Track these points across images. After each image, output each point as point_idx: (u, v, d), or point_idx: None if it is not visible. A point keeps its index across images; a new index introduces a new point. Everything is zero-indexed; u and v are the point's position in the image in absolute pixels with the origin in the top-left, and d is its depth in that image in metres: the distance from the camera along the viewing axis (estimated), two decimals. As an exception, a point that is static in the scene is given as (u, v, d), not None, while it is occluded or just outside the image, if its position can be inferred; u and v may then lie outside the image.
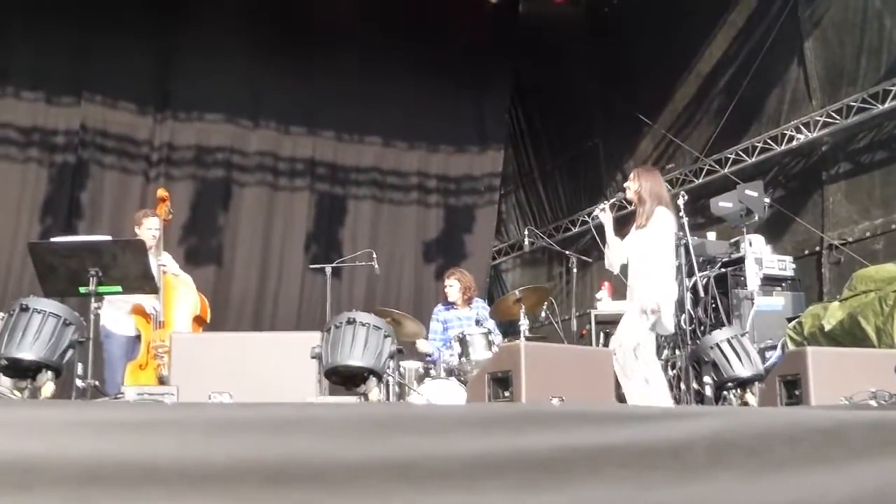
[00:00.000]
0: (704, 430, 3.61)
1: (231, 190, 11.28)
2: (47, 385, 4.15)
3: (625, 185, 6.74)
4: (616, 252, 6.58)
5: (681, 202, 6.53)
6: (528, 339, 7.76)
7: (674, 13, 10.13)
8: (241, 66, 11.01)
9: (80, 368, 4.35)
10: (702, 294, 8.05)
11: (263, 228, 11.37)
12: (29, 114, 10.29)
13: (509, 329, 9.49)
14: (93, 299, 5.13)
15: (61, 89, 10.42)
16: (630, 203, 6.78)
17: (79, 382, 4.37)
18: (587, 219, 11.53)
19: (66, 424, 2.91)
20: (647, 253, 6.33)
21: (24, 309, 4.11)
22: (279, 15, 11.03)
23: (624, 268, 6.62)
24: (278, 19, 11.05)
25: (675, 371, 8.21)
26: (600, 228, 6.74)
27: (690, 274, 7.39)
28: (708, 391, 5.21)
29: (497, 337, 7.95)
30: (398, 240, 12.00)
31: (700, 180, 10.04)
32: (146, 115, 10.82)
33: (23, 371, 4.09)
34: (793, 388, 5.26)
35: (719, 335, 5.46)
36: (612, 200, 6.87)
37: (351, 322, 4.29)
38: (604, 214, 6.69)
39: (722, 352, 5.28)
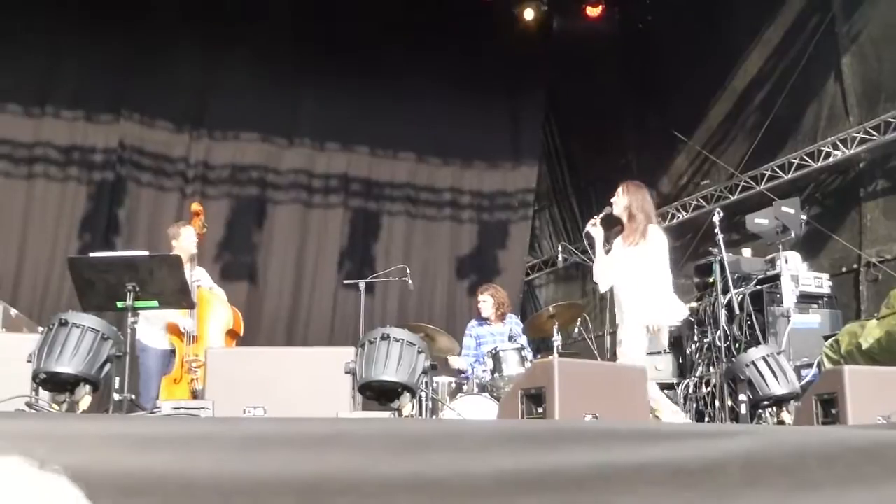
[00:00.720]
0: (740, 448, 3.59)
1: (265, 207, 11.39)
2: (85, 399, 4.19)
3: (612, 199, 6.67)
4: (605, 268, 6.53)
5: (716, 219, 6.49)
6: (561, 355, 7.73)
7: (708, 30, 10.10)
8: (276, 84, 11.13)
9: (117, 382, 4.40)
10: (737, 311, 7.99)
11: (297, 245, 11.44)
12: (68, 133, 10.47)
13: (542, 345, 9.46)
14: (129, 314, 5.18)
15: (100, 108, 10.61)
16: (617, 218, 6.69)
17: (116, 396, 4.41)
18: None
19: (105, 438, 2.95)
20: (644, 270, 6.27)
21: (63, 323, 4.17)
22: (314, 34, 11.15)
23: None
24: (313, 38, 11.17)
25: (708, 388, 8.16)
26: (591, 244, 6.66)
27: (725, 291, 7.36)
28: (743, 409, 5.16)
29: (529, 353, 7.93)
30: (431, 255, 12.02)
31: (735, 197, 9.97)
32: (182, 133, 10.96)
33: (61, 385, 4.14)
34: (829, 406, 5.19)
35: (755, 353, 5.42)
36: (602, 215, 6.68)
37: (385, 338, 4.30)
38: (594, 229, 6.58)
39: (758, 370, 5.24)
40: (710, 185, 10.40)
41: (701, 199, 10.46)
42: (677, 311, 6.43)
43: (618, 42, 11.68)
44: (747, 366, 5.30)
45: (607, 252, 6.59)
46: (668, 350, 8.07)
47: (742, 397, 5.21)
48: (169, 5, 10.64)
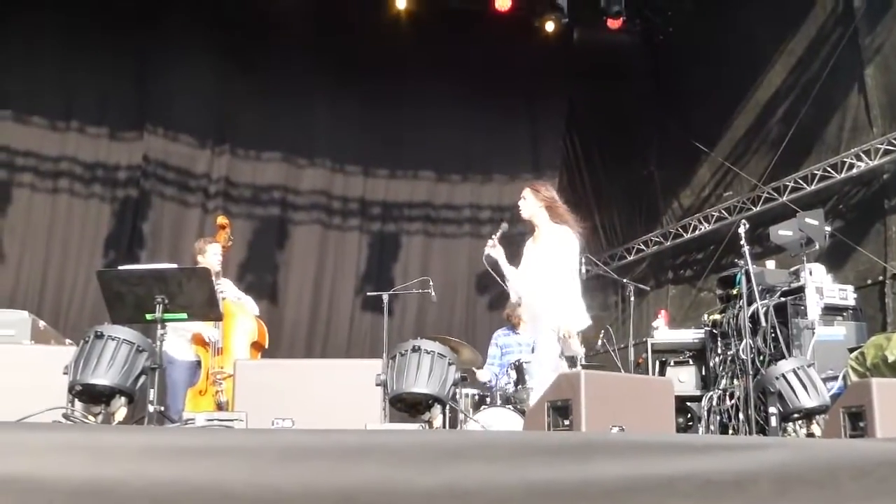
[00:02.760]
0: (770, 461, 3.58)
1: (285, 228, 11.44)
2: (120, 410, 4.24)
3: (518, 202, 6.55)
4: (518, 282, 6.38)
5: (742, 230, 6.47)
6: (584, 367, 7.72)
7: (731, 42, 10.11)
8: (295, 101, 11.17)
9: (151, 394, 4.44)
10: (762, 323, 7.96)
11: (316, 266, 11.47)
12: (92, 149, 10.55)
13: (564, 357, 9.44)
14: (159, 326, 5.23)
15: (124, 123, 10.69)
16: (523, 220, 6.60)
17: (150, 408, 4.46)
18: (643, 247, 11.52)
19: (141, 450, 2.97)
20: (547, 271, 6.15)
21: (99, 336, 4.21)
22: (335, 54, 11.17)
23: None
24: (333, 56, 11.18)
25: (732, 401, 8.13)
26: (495, 266, 6.43)
27: (750, 302, 7.34)
28: (773, 422, 5.15)
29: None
30: (451, 272, 12.00)
31: (758, 208, 9.96)
32: (205, 149, 11.03)
33: (97, 396, 4.18)
34: (857, 419, 5.17)
35: (785, 365, 5.40)
36: (498, 234, 6.50)
37: (416, 350, 4.32)
38: (494, 250, 6.41)
39: (788, 382, 5.22)
40: (733, 197, 10.38)
41: (723, 211, 10.44)
42: (580, 318, 6.20)
43: (639, 54, 11.69)
44: (777, 378, 5.28)
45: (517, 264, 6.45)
46: (580, 358, 8.00)
47: (772, 410, 5.20)
48: (191, 23, 10.70)
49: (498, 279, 6.47)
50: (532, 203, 6.44)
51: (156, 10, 10.50)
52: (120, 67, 10.56)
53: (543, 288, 6.13)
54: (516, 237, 6.89)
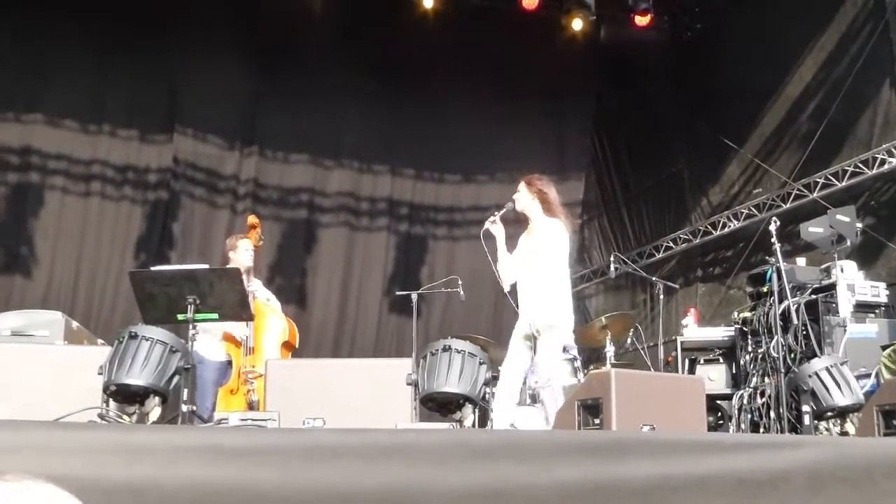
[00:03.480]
0: (804, 460, 3.56)
1: (313, 231, 11.48)
2: (154, 410, 4.28)
3: (513, 196, 6.45)
4: (507, 268, 6.30)
5: (773, 228, 6.43)
6: (613, 365, 7.72)
7: (760, 37, 10.04)
8: (322, 103, 11.19)
9: (185, 394, 4.48)
10: (794, 320, 7.89)
11: (343, 268, 11.49)
12: (123, 151, 10.64)
13: (592, 355, 9.44)
14: (190, 326, 5.27)
15: (154, 126, 10.79)
16: (519, 214, 6.46)
17: (184, 408, 4.49)
18: (671, 245, 11.46)
19: (176, 450, 3.00)
20: (537, 265, 6.08)
21: (133, 336, 4.26)
22: (363, 55, 11.19)
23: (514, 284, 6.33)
24: (362, 59, 11.20)
25: (763, 399, 8.07)
26: (491, 242, 6.38)
27: (781, 300, 7.29)
28: (807, 420, 5.11)
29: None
30: (477, 273, 11.96)
31: (788, 205, 9.87)
32: (234, 150, 11.09)
33: (131, 396, 4.22)
34: (891, 417, 5.13)
35: (818, 363, 5.36)
36: (502, 212, 6.43)
37: (447, 349, 4.33)
38: (495, 227, 6.34)
39: (821, 380, 5.18)
40: (763, 194, 10.30)
41: (753, 208, 10.36)
42: (564, 314, 6.11)
43: (667, 51, 11.63)
44: (810, 376, 5.24)
45: (512, 251, 6.36)
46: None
47: (805, 408, 5.16)
48: (220, 26, 10.78)
49: (490, 259, 6.40)
50: (525, 196, 6.38)
51: (184, 13, 10.56)
52: (149, 70, 10.64)
53: (532, 281, 6.08)
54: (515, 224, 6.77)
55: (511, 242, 6.43)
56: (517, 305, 6.25)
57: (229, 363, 7.28)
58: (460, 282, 8.43)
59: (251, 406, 6.86)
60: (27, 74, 10.25)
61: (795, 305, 7.98)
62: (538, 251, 6.12)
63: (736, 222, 10.61)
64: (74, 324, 6.24)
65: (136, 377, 4.13)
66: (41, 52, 10.20)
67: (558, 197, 6.54)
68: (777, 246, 6.44)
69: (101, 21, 10.27)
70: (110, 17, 10.26)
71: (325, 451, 3.09)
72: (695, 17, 11.23)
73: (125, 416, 4.17)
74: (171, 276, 5.44)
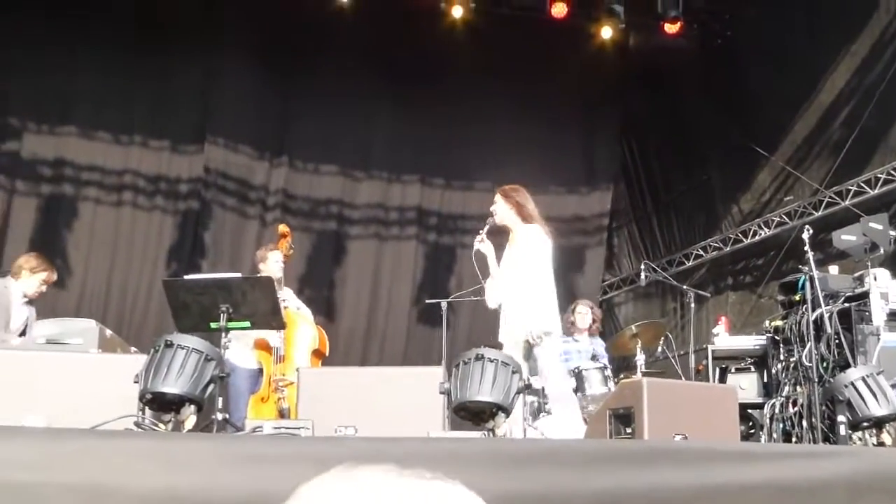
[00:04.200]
0: (844, 470, 3.53)
1: (342, 242, 11.50)
2: (190, 418, 4.30)
3: (491, 209, 6.35)
4: (495, 287, 6.23)
5: (806, 236, 6.38)
6: (644, 374, 7.69)
7: (791, 44, 9.98)
8: (353, 114, 11.24)
9: (220, 402, 4.50)
10: (827, 329, 7.82)
11: (371, 280, 11.50)
12: (155, 162, 10.73)
13: (623, 364, 9.40)
14: (223, 334, 5.31)
15: (185, 136, 10.85)
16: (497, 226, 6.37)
17: (219, 416, 4.52)
18: (701, 253, 11.40)
19: (213, 457, 3.02)
20: (522, 274, 6.01)
21: (169, 345, 4.28)
22: (392, 66, 11.23)
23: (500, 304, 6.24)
24: (391, 70, 11.24)
25: (796, 408, 8.00)
26: (483, 262, 6.28)
27: (814, 308, 7.23)
28: (843, 430, 5.06)
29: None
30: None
31: (820, 213, 9.79)
32: (263, 160, 11.14)
33: (167, 405, 4.25)
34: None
35: (854, 373, 5.31)
36: (486, 229, 6.32)
37: (479, 358, 4.32)
38: (483, 245, 6.27)
39: (857, 390, 5.13)
40: (794, 202, 10.23)
41: (784, 216, 10.29)
42: (550, 320, 6.04)
43: (697, 58, 11.58)
44: (846, 386, 5.19)
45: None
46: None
47: (841, 418, 5.11)
48: (250, 37, 10.86)
49: (481, 279, 6.37)
50: (503, 207, 6.32)
51: (216, 24, 10.66)
52: (181, 81, 10.75)
53: (516, 292, 6.02)
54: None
55: (499, 255, 6.39)
56: (502, 318, 6.18)
57: (260, 371, 7.32)
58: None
59: (282, 414, 6.89)
60: (59, 87, 10.37)
61: (828, 314, 7.91)
62: (521, 259, 6.07)
63: (767, 230, 10.54)
64: (108, 332, 6.29)
65: (172, 385, 4.16)
66: (73, 64, 10.32)
67: (535, 206, 6.45)
68: (810, 254, 6.37)
69: (133, 32, 10.36)
70: (142, 28, 10.35)
71: (361, 460, 3.10)
72: (725, 24, 11.17)
73: (161, 425, 4.20)
74: (204, 285, 5.48)
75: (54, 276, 7.26)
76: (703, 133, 11.51)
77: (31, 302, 7.13)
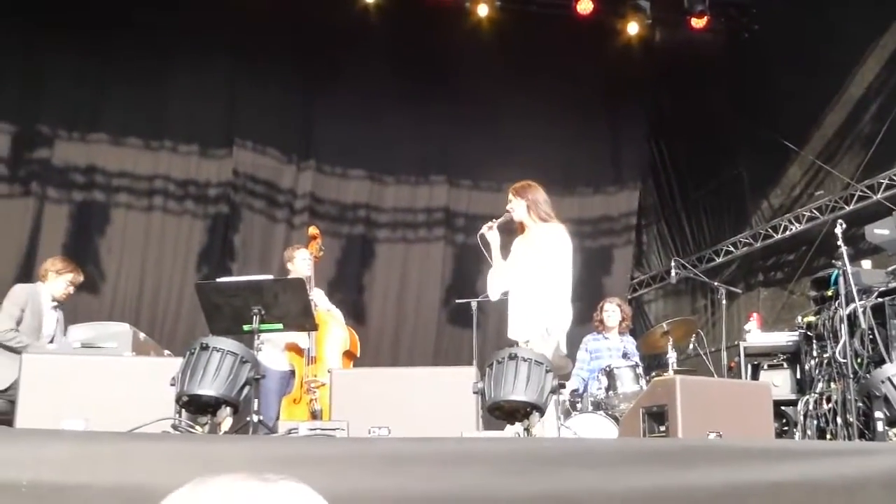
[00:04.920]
0: (881, 467, 3.50)
1: (370, 246, 11.53)
2: (226, 421, 4.34)
3: (507, 207, 6.31)
4: (500, 276, 6.21)
5: (838, 230, 6.33)
6: (676, 372, 7.66)
7: (819, 38, 9.88)
8: (379, 115, 11.24)
9: (256, 404, 4.54)
10: (861, 324, 7.75)
11: (399, 282, 11.52)
12: (184, 166, 10.81)
13: (653, 362, 9.37)
14: (256, 336, 5.35)
15: (214, 141, 10.93)
16: (514, 223, 6.32)
17: (255, 417, 4.55)
18: (731, 249, 11.33)
19: (250, 459, 3.04)
20: (542, 271, 5.95)
21: (204, 347, 4.32)
22: (418, 68, 11.23)
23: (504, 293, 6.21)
24: (418, 72, 11.23)
25: (830, 405, 7.94)
26: (486, 248, 6.27)
27: (847, 303, 7.17)
28: (880, 427, 5.01)
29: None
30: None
31: (851, 207, 9.70)
32: (291, 164, 11.19)
33: (203, 407, 4.28)
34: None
35: (891, 369, 5.26)
36: (500, 220, 6.33)
37: (513, 357, 4.33)
38: (491, 233, 6.24)
39: (894, 386, 5.08)
40: (825, 196, 10.14)
41: (815, 211, 10.21)
42: (563, 320, 6.01)
43: (725, 53, 11.51)
44: (883, 382, 5.15)
45: (506, 258, 6.27)
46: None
47: (878, 414, 5.06)
48: (277, 43, 10.91)
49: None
50: (519, 205, 6.27)
51: (243, 32, 10.72)
52: (209, 86, 10.81)
53: (536, 288, 5.98)
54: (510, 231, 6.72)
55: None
56: (511, 313, 6.14)
57: (292, 373, 7.36)
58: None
59: (314, 415, 6.93)
60: (90, 95, 10.46)
61: (862, 309, 7.85)
62: (543, 257, 6.02)
63: (798, 225, 10.46)
64: (141, 335, 6.35)
65: (208, 388, 4.19)
66: (102, 72, 10.42)
67: (549, 200, 6.41)
68: (843, 249, 6.32)
69: (162, 39, 10.45)
70: (170, 35, 10.44)
71: (396, 460, 3.12)
72: (752, 18, 11.10)
73: (197, 427, 4.23)
74: (236, 287, 5.53)
75: (80, 278, 7.33)
76: (732, 128, 11.43)
77: (59, 306, 7.22)
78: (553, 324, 5.88)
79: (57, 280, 7.10)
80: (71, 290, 7.24)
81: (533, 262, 6.06)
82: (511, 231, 6.47)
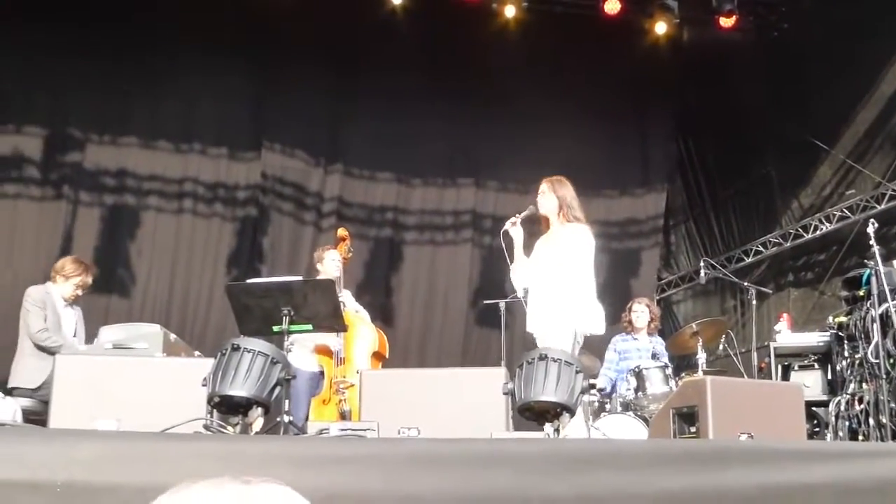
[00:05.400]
0: (915, 468, 3.47)
1: (399, 249, 11.53)
2: (257, 421, 4.37)
3: (537, 198, 6.30)
4: (523, 272, 6.20)
5: (871, 230, 6.28)
6: (706, 372, 7.62)
7: (849, 35, 9.79)
8: (406, 118, 11.23)
9: (287, 405, 4.57)
10: (894, 324, 7.68)
11: (427, 284, 11.51)
12: (213, 169, 10.85)
13: (682, 363, 9.32)
14: (286, 337, 5.38)
15: (243, 144, 10.96)
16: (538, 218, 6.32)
17: (286, 418, 4.58)
18: (761, 249, 11.25)
19: (282, 459, 3.06)
20: (566, 270, 5.94)
21: (236, 348, 4.35)
22: (446, 70, 11.21)
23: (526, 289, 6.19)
24: (445, 74, 11.21)
25: (862, 406, 7.87)
26: (509, 244, 6.26)
27: (880, 303, 7.11)
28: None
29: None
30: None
31: (882, 206, 9.61)
32: (318, 167, 11.22)
33: (234, 407, 4.32)
34: None
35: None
36: (524, 214, 6.32)
37: (543, 358, 4.33)
38: (514, 229, 6.24)
39: (927, 386, 5.03)
40: (856, 195, 10.05)
41: (845, 210, 10.12)
42: (597, 321, 6.01)
43: (753, 51, 11.44)
44: (917, 382, 5.10)
45: (529, 255, 6.26)
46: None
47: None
48: (306, 45, 10.93)
49: (507, 259, 6.34)
50: (550, 198, 6.28)
51: (271, 34, 10.77)
52: (237, 89, 10.87)
53: (561, 287, 5.97)
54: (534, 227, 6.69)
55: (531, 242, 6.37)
56: (531, 310, 6.17)
57: (321, 374, 7.39)
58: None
59: (343, 416, 6.94)
60: (120, 98, 10.52)
61: (895, 309, 7.77)
62: (567, 256, 6.02)
63: (828, 225, 10.37)
64: (172, 336, 6.39)
65: (240, 388, 4.22)
66: (132, 75, 10.47)
67: (578, 199, 6.42)
68: (876, 248, 6.26)
69: (190, 42, 10.50)
70: (197, 38, 10.48)
71: (427, 461, 3.12)
72: (781, 16, 11.02)
73: (229, 427, 4.26)
74: (266, 288, 5.56)
75: (89, 280, 7.39)
76: (761, 127, 11.35)
77: (74, 303, 7.31)
78: (583, 327, 5.90)
79: (65, 284, 7.19)
80: (79, 292, 7.32)
81: (556, 260, 6.06)
82: (533, 229, 6.46)
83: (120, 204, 10.53)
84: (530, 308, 6.14)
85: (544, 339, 5.88)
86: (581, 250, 6.04)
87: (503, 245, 6.37)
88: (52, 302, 7.08)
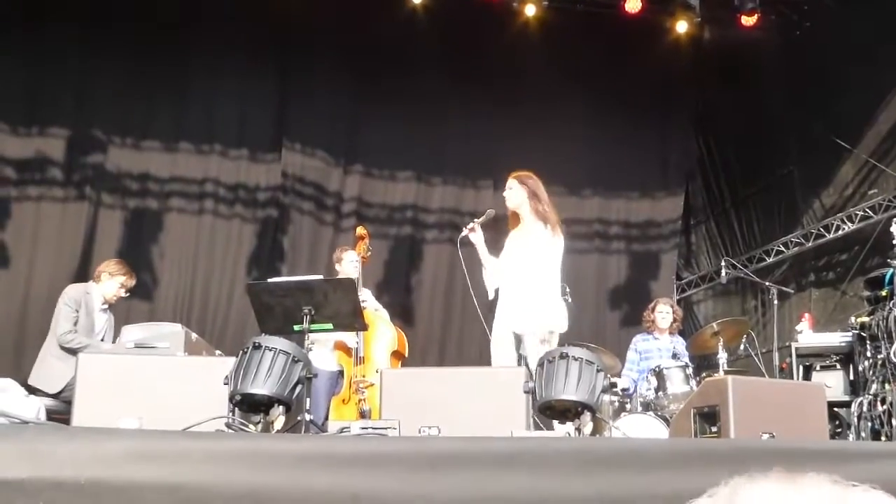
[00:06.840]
0: (941, 468, 3.44)
1: (418, 248, 11.53)
2: (279, 419, 4.39)
3: (504, 194, 6.32)
4: (494, 274, 6.24)
5: (893, 230, 6.24)
6: (727, 372, 7.59)
7: (873, 33, 9.72)
8: (426, 118, 11.27)
9: (308, 403, 4.59)
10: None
11: (446, 283, 11.47)
12: (234, 171, 10.87)
13: (703, 362, 9.28)
14: (306, 336, 5.41)
15: (263, 144, 10.99)
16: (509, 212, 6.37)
17: (307, 416, 4.60)
18: (782, 249, 11.19)
19: (302, 458, 3.07)
20: (531, 268, 5.98)
21: (257, 347, 4.37)
22: (465, 70, 11.22)
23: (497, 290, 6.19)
24: (464, 74, 11.22)
25: (884, 406, 7.82)
26: (467, 249, 6.37)
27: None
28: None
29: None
30: (579, 286, 11.81)
31: (906, 206, 9.54)
32: (338, 167, 11.24)
33: (256, 406, 4.34)
34: None
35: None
36: (482, 219, 6.40)
37: (564, 356, 4.32)
38: (473, 235, 6.30)
39: (951, 387, 4.99)
40: (879, 195, 9.97)
41: (868, 210, 10.03)
42: (561, 319, 6.08)
43: (775, 50, 11.37)
44: (940, 382, 5.06)
45: (497, 255, 6.28)
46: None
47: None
48: (327, 46, 10.99)
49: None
50: (519, 193, 6.29)
51: (290, 35, 10.82)
52: (258, 90, 10.92)
53: (526, 285, 6.01)
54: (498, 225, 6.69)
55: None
56: (500, 307, 6.25)
57: (341, 373, 7.42)
58: (568, 289, 8.37)
59: (363, 415, 6.96)
60: (141, 100, 10.57)
61: (914, 309, 7.72)
62: (533, 254, 6.06)
63: (850, 224, 10.29)
64: (193, 335, 6.44)
65: (261, 387, 4.24)
66: (153, 77, 10.53)
67: (548, 197, 6.42)
68: (898, 249, 6.22)
69: (211, 44, 10.56)
70: (219, 40, 10.54)
71: (446, 460, 3.12)
72: (804, 14, 10.95)
73: (251, 425, 4.28)
74: (286, 288, 5.59)
75: (132, 282, 7.47)
76: (783, 127, 11.28)
77: (109, 308, 7.36)
78: (556, 325, 6.01)
79: (110, 281, 7.25)
80: (122, 292, 7.37)
81: (526, 257, 6.12)
82: (498, 229, 6.48)
83: (141, 206, 10.57)
84: (502, 304, 6.18)
85: (501, 336, 6.04)
86: (547, 248, 6.10)
87: (459, 250, 6.56)
88: (89, 303, 7.13)
